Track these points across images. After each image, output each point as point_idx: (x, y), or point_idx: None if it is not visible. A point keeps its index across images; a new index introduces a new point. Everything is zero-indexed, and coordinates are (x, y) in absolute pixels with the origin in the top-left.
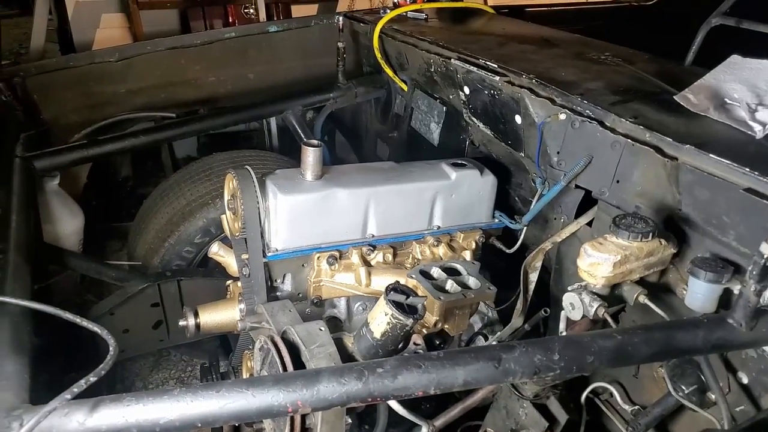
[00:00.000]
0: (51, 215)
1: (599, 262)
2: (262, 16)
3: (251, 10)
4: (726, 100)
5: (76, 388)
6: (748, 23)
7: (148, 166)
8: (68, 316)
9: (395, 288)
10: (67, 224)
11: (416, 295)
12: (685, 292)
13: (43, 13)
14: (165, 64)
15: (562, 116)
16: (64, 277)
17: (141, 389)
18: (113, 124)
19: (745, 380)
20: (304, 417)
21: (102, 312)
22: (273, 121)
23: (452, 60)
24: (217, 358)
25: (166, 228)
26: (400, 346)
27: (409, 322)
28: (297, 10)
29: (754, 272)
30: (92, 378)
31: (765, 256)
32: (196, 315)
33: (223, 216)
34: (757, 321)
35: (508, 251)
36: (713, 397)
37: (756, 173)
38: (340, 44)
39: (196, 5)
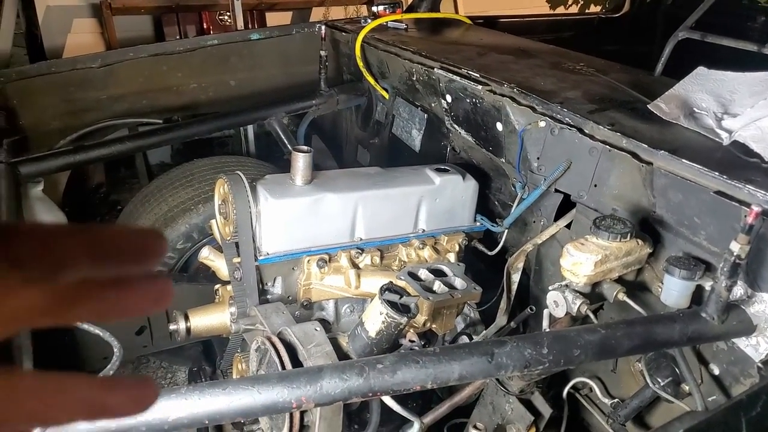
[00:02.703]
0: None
1: (581, 262)
2: (240, 23)
3: (226, 17)
4: (695, 109)
5: None
6: (712, 37)
7: (121, 172)
8: None
9: (389, 288)
10: None
11: (409, 295)
12: (660, 289)
13: (11, 17)
14: (147, 70)
15: (542, 123)
16: None
17: None
18: (96, 131)
19: (716, 371)
20: (302, 415)
21: None
22: (250, 127)
23: (435, 69)
24: (200, 363)
25: None
26: (391, 346)
27: (404, 320)
28: (271, 18)
29: (725, 269)
30: None
31: (735, 254)
32: (186, 319)
33: (213, 221)
34: (728, 315)
35: (489, 253)
36: (687, 388)
37: (724, 177)
38: (322, 52)
39: (170, 11)
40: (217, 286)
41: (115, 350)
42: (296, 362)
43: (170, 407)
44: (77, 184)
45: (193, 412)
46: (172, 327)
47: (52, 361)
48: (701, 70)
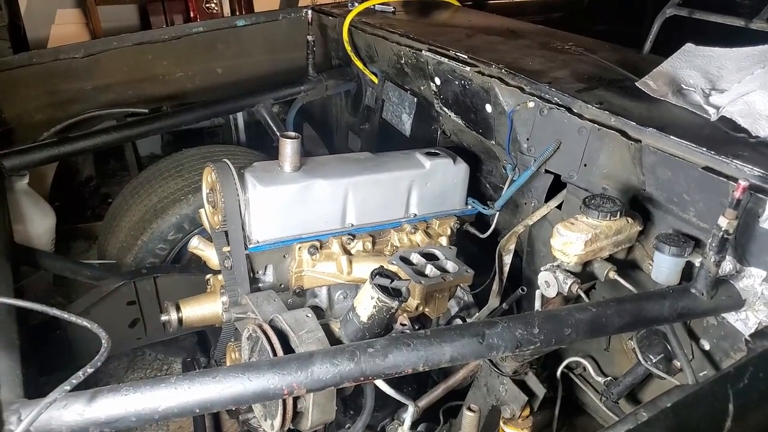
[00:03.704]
0: (22, 215)
1: (572, 241)
2: (227, 10)
3: (212, 5)
4: (682, 85)
5: (74, 380)
6: (700, 13)
7: (110, 165)
8: (56, 312)
9: (380, 272)
10: (38, 224)
11: (400, 279)
12: (650, 267)
13: None
14: (132, 59)
15: (531, 104)
16: (37, 277)
17: None
18: (81, 122)
19: (707, 347)
20: (295, 401)
21: (77, 311)
22: (240, 116)
23: (423, 51)
24: (194, 355)
25: (138, 226)
26: (383, 330)
27: (395, 304)
28: (259, 4)
29: (713, 244)
30: (89, 369)
31: (723, 229)
32: (177, 309)
33: (202, 210)
34: (717, 290)
35: (481, 236)
36: (679, 364)
37: (712, 153)
38: (309, 37)
39: (155, 0)
40: (208, 276)
41: (103, 342)
42: (288, 349)
43: (160, 397)
44: (67, 177)
45: (183, 401)
46: (163, 318)
47: (45, 354)
48: (689, 46)
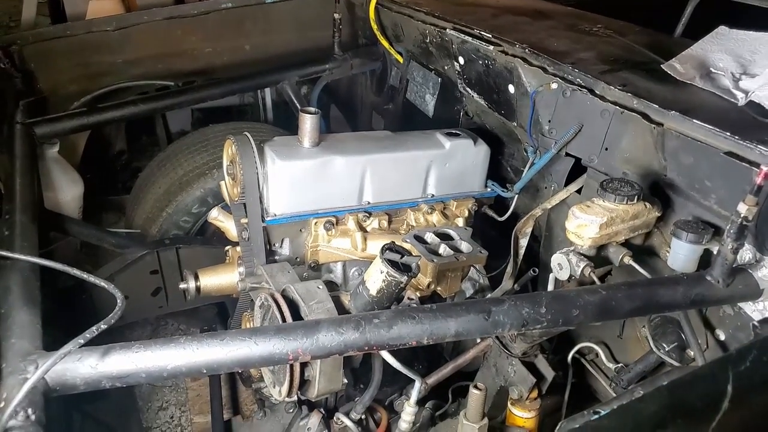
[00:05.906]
0: (51, 182)
1: (586, 224)
2: None
3: None
4: (711, 69)
5: (88, 334)
6: None
7: (142, 139)
8: (76, 272)
9: (390, 248)
10: (67, 191)
11: (411, 254)
12: (668, 254)
13: None
14: (162, 34)
15: (554, 85)
16: (65, 243)
17: None
18: (111, 93)
19: (722, 337)
20: (303, 369)
21: (102, 277)
22: (268, 94)
23: (447, 30)
24: (215, 326)
25: (163, 198)
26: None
27: (404, 279)
28: None
29: (732, 231)
30: (103, 325)
31: (742, 215)
32: (196, 278)
33: (222, 182)
34: (734, 278)
35: (499, 219)
36: (692, 353)
37: (736, 137)
38: (336, 15)
39: None
40: (227, 247)
41: (118, 301)
42: (298, 318)
43: (169, 356)
44: (99, 150)
45: (191, 360)
46: (182, 286)
47: (71, 317)
48: (722, 29)
